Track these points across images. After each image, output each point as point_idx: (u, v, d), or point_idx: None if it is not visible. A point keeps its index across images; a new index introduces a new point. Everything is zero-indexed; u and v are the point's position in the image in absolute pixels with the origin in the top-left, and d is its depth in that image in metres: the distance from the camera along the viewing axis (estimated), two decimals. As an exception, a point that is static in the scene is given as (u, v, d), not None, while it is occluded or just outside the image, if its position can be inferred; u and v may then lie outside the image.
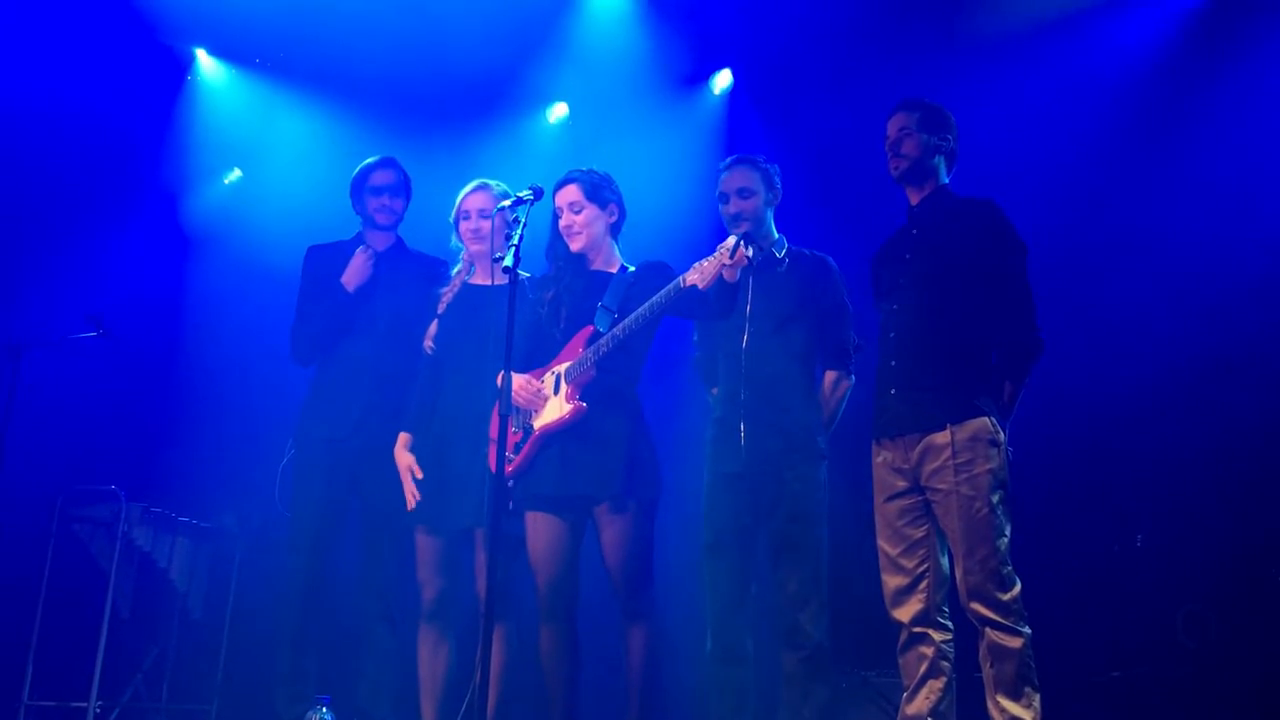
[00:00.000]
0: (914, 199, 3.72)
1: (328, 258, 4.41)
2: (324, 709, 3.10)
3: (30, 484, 4.53)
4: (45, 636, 4.40)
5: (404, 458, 4.01)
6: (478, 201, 4.10)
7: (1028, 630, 3.38)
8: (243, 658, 4.68)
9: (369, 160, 4.45)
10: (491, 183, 4.15)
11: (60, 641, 4.43)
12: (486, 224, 4.07)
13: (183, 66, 6.33)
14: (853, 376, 4.16)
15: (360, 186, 4.43)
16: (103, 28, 5.61)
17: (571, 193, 3.80)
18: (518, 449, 3.71)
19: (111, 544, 4.51)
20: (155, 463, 5.07)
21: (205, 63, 6.39)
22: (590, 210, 3.79)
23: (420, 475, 3.94)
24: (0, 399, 4.32)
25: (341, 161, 4.60)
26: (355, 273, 4.30)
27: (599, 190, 3.82)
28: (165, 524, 4.72)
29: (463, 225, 4.13)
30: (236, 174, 6.54)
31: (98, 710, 4.30)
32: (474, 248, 4.12)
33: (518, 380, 3.67)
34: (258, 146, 6.34)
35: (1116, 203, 4.80)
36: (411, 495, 3.92)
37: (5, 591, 4.37)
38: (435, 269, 4.26)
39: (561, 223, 3.81)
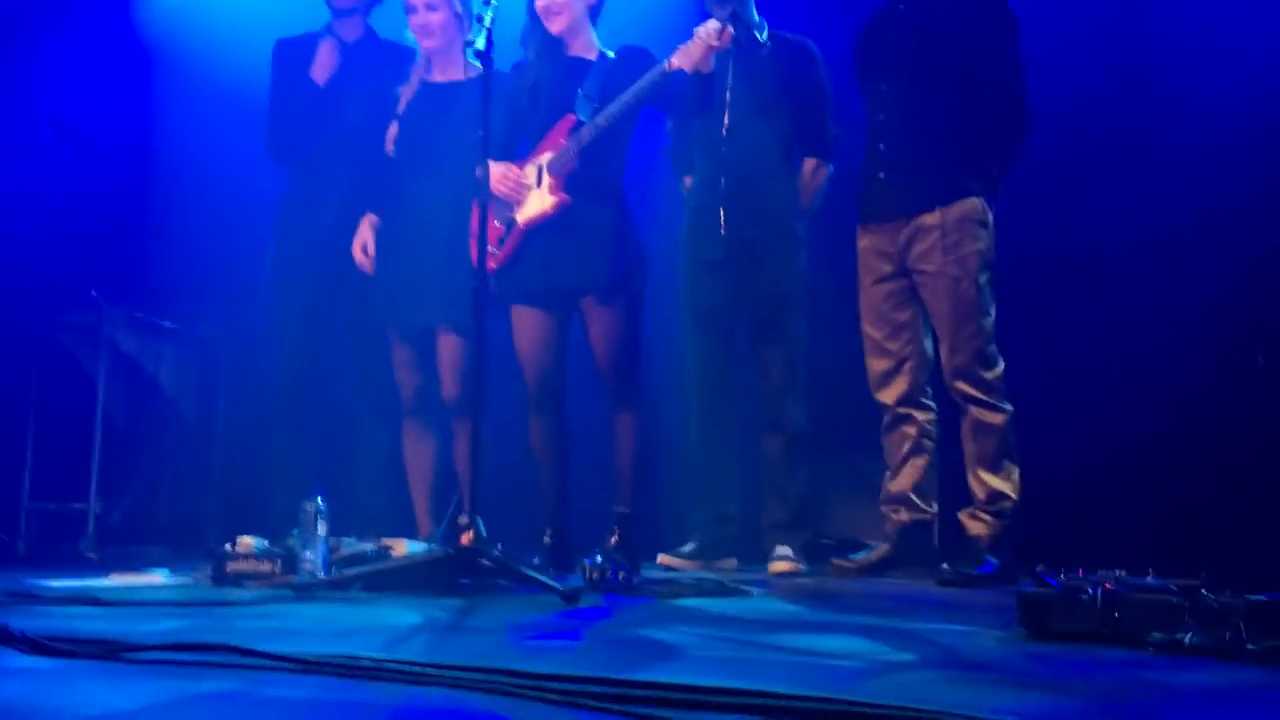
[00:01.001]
0: (901, -26, 3.60)
1: (296, 50, 4.27)
2: (319, 500, 3.16)
3: (10, 292, 4.48)
4: (41, 441, 4.43)
5: (363, 233, 4.06)
6: None
7: (1009, 407, 3.46)
8: (237, 458, 4.75)
9: None
10: None
11: (57, 446, 4.47)
12: (435, 16, 3.91)
13: None
14: (831, 164, 4.11)
15: None
16: None
17: None
18: (500, 243, 3.68)
19: (97, 350, 4.51)
20: (136, 270, 5.00)
21: None
22: None
23: (370, 254, 4.02)
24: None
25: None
26: (323, 64, 4.16)
27: None
28: (150, 330, 4.70)
29: (411, 20, 3.97)
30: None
31: (98, 510, 4.38)
32: (425, 44, 3.98)
33: (499, 170, 3.60)
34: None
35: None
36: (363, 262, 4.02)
37: (-1, 401, 4.38)
38: (405, 58, 4.11)
39: (539, 2, 3.66)
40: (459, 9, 3.96)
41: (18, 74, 5.00)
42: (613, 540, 3.57)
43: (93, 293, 4.54)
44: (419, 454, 4.11)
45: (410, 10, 3.96)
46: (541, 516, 3.74)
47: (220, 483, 4.82)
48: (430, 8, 3.92)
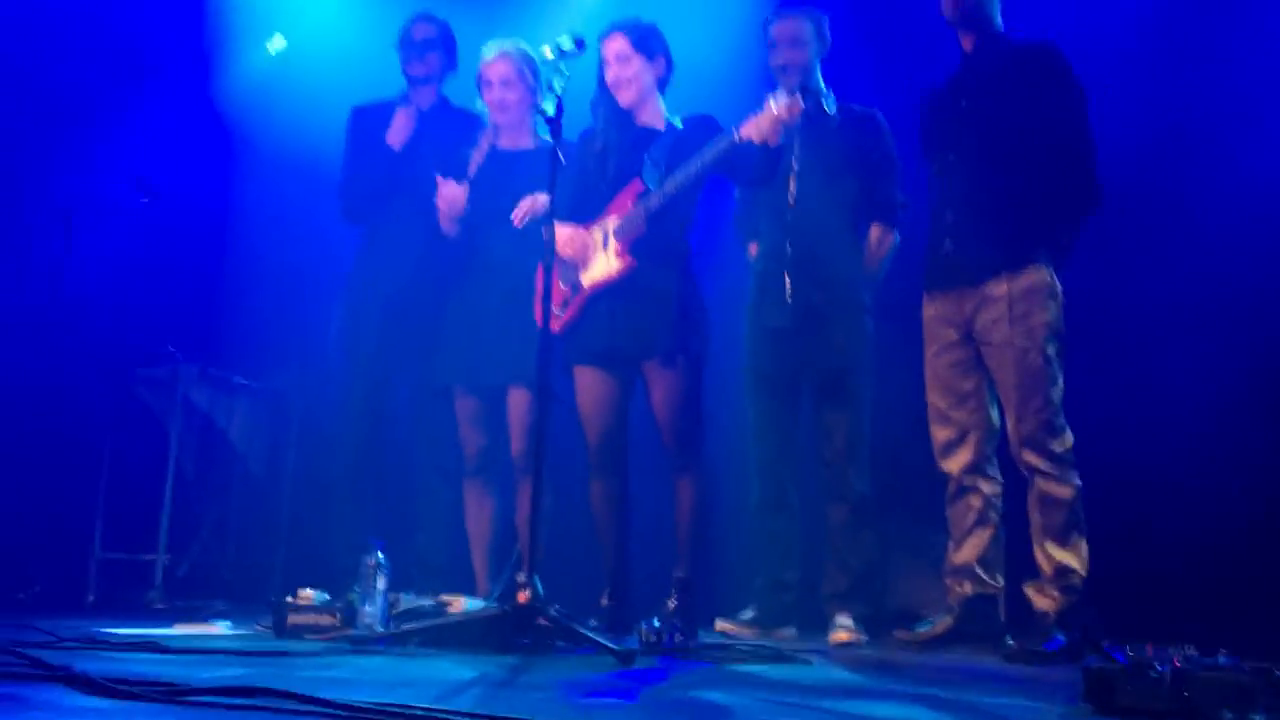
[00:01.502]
0: (968, 45, 3.62)
1: (372, 117, 4.39)
2: (379, 554, 3.19)
3: (90, 346, 4.62)
4: (113, 493, 4.53)
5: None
6: (498, 71, 4.05)
7: (1078, 480, 3.39)
8: (303, 513, 4.82)
9: (412, 16, 4.39)
10: (510, 47, 4.07)
11: (129, 498, 4.57)
12: (510, 94, 4.04)
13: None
14: (898, 232, 4.11)
15: (403, 44, 4.38)
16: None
17: (619, 43, 3.73)
18: (565, 305, 3.72)
19: (172, 404, 4.62)
20: (211, 326, 5.13)
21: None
22: (638, 61, 3.73)
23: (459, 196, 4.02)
24: (54, 262, 4.40)
25: (390, 22, 4.53)
26: (399, 130, 4.27)
27: (646, 41, 3.75)
28: (223, 385, 4.81)
29: (485, 94, 4.09)
30: (280, 42, 6.47)
31: (166, 562, 4.46)
32: (499, 119, 4.08)
33: (565, 233, 3.66)
34: (301, 9, 6.24)
35: (1192, 54, 4.58)
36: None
37: (74, 450, 4.49)
38: (478, 126, 4.22)
39: (609, 75, 3.74)
40: (531, 81, 4.06)
41: (100, 138, 5.20)
42: (671, 604, 3.54)
43: (169, 348, 4.66)
44: (479, 513, 4.15)
45: (486, 85, 4.07)
46: (600, 578, 3.73)
47: (286, 536, 4.88)
48: (506, 84, 4.03)
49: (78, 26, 5.44)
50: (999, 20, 3.60)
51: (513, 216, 3.84)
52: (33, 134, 5.28)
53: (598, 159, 3.79)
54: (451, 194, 4.00)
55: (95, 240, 4.78)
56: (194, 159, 5.57)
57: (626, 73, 3.72)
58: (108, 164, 5.20)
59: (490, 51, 4.08)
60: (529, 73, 4.07)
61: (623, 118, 3.79)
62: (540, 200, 3.70)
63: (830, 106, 3.97)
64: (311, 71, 5.83)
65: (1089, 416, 3.58)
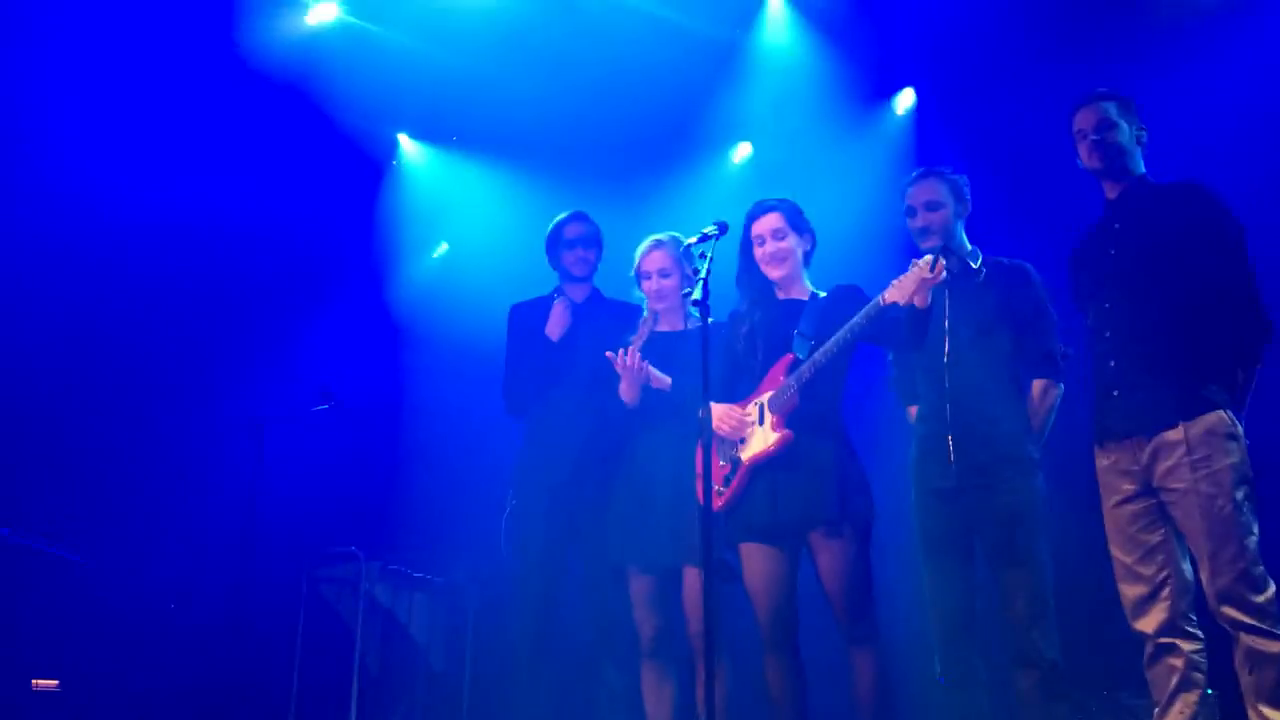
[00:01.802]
0: (1112, 192, 3.59)
1: (530, 312, 4.58)
2: (559, 745, 3.19)
3: (278, 549, 4.85)
4: (303, 691, 4.68)
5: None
6: (655, 262, 4.19)
7: (1288, 633, 3.15)
8: (484, 705, 4.86)
9: (561, 216, 4.61)
10: (664, 238, 4.22)
11: (317, 696, 4.70)
12: (668, 283, 4.16)
13: (388, 151, 6.75)
14: (1062, 384, 4.01)
15: (555, 242, 4.59)
16: (317, 125, 6.06)
17: (774, 220, 3.83)
18: (726, 481, 3.74)
19: (355, 602, 4.77)
20: (389, 524, 5.35)
21: (407, 145, 6.80)
22: (793, 238, 3.82)
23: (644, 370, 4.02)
24: (249, 470, 4.67)
25: (536, 222, 4.78)
26: (557, 322, 4.45)
27: (797, 218, 3.87)
28: (402, 581, 4.96)
29: (644, 285, 4.23)
30: (443, 248, 6.90)
31: (355, 761, 4.54)
32: (657, 306, 4.21)
33: (720, 410, 3.71)
34: (460, 219, 6.67)
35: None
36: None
37: (264, 650, 4.68)
38: (631, 314, 4.36)
39: (764, 250, 3.82)
40: (685, 269, 4.18)
41: (288, 348, 5.58)
42: (857, 786, 3.40)
43: (351, 548, 4.85)
44: (658, 696, 4.10)
45: (645, 277, 4.21)
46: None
47: (468, 728, 4.92)
48: (664, 274, 4.17)
49: (262, 245, 5.94)
50: (1142, 166, 3.57)
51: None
52: (226, 346, 5.73)
53: (747, 336, 3.85)
54: (634, 360, 4.02)
55: (283, 446, 5.08)
56: (369, 365, 5.91)
57: (783, 248, 3.81)
58: (294, 373, 5.57)
59: (645, 245, 4.23)
60: (683, 260, 4.20)
61: (769, 294, 3.87)
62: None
63: (977, 263, 3.99)
64: (473, 274, 6.18)
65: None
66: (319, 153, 6.15)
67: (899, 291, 3.43)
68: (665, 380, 4.04)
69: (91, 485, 5.38)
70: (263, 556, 4.71)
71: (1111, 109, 3.56)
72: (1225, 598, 3.20)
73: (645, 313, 4.28)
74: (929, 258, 3.39)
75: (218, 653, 4.84)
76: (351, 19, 5.94)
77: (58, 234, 5.40)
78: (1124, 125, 3.54)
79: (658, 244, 4.21)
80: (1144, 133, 3.58)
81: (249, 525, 4.67)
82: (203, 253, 5.75)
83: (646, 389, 4.06)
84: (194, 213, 5.65)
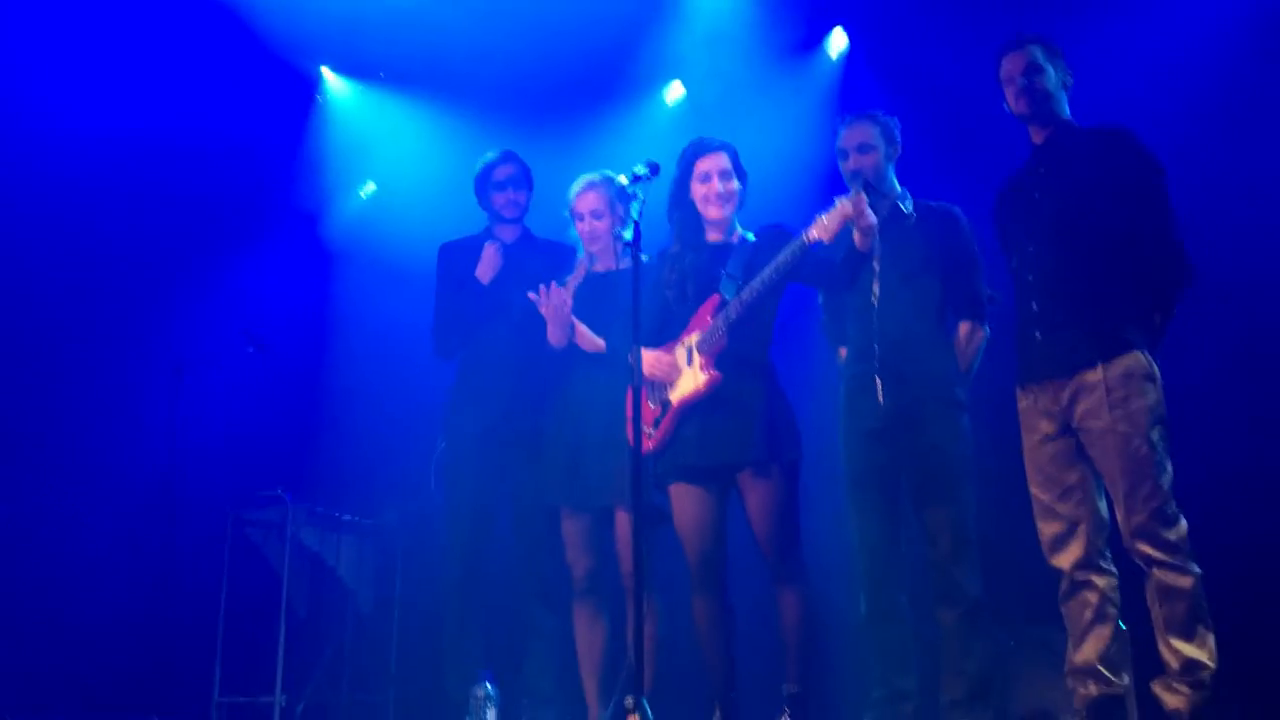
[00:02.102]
0: (1038, 137, 3.61)
1: (460, 253, 4.53)
2: (488, 684, 3.20)
3: (202, 492, 4.79)
4: (230, 636, 4.65)
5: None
6: (589, 203, 4.14)
7: (1198, 569, 3.26)
8: (413, 647, 4.87)
9: (489, 156, 4.54)
10: (597, 178, 4.16)
11: (244, 641, 4.68)
12: (600, 224, 4.12)
13: (311, 86, 6.58)
14: (987, 327, 4.07)
15: (484, 182, 4.53)
16: (234, 54, 5.88)
17: (724, 160, 3.78)
18: (656, 424, 3.74)
19: (282, 545, 4.73)
20: (316, 466, 5.30)
21: (331, 80, 6.63)
22: (735, 180, 3.79)
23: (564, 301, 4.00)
24: (165, 414, 4.58)
25: (466, 160, 4.71)
26: (487, 265, 4.40)
27: (739, 161, 3.83)
28: (330, 524, 4.93)
29: (578, 226, 4.19)
30: (371, 187, 6.77)
31: (283, 703, 4.52)
32: (592, 247, 4.18)
33: (650, 356, 3.70)
34: (387, 157, 6.54)
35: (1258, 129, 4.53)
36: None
37: (189, 595, 4.63)
38: (563, 255, 4.33)
39: (711, 188, 3.75)
40: (618, 210, 4.14)
41: (211, 292, 5.46)
42: (784, 720, 3.46)
43: (278, 491, 4.80)
44: (591, 637, 4.11)
45: (578, 218, 4.17)
46: (711, 697, 3.67)
47: (396, 672, 4.92)
48: (596, 215, 4.12)
49: (183, 180, 5.77)
50: (1067, 111, 3.60)
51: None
52: (146, 284, 5.58)
53: (677, 281, 3.84)
54: (558, 299, 4.00)
55: (205, 390, 4.99)
56: (295, 304, 5.80)
57: (732, 189, 3.78)
58: (217, 313, 5.46)
59: (578, 185, 4.18)
60: (616, 201, 4.16)
61: (697, 238, 3.84)
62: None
63: (907, 206, 4.01)
64: (401, 213, 6.08)
65: (1206, 502, 3.45)
66: (240, 85, 5.97)
67: (822, 229, 3.43)
68: (598, 343, 4.00)
69: (13, 430, 5.24)
70: (186, 501, 4.64)
71: (1038, 53, 3.57)
72: (1139, 534, 3.29)
73: (581, 254, 4.24)
74: (849, 196, 3.40)
75: (143, 599, 4.78)
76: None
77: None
78: (1050, 70, 3.56)
79: (590, 184, 4.17)
80: (1070, 77, 3.60)
81: (171, 469, 4.60)
82: (121, 187, 5.57)
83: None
84: (111, 142, 5.45)
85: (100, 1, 5.45)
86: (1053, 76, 3.56)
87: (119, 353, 5.38)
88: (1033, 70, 3.55)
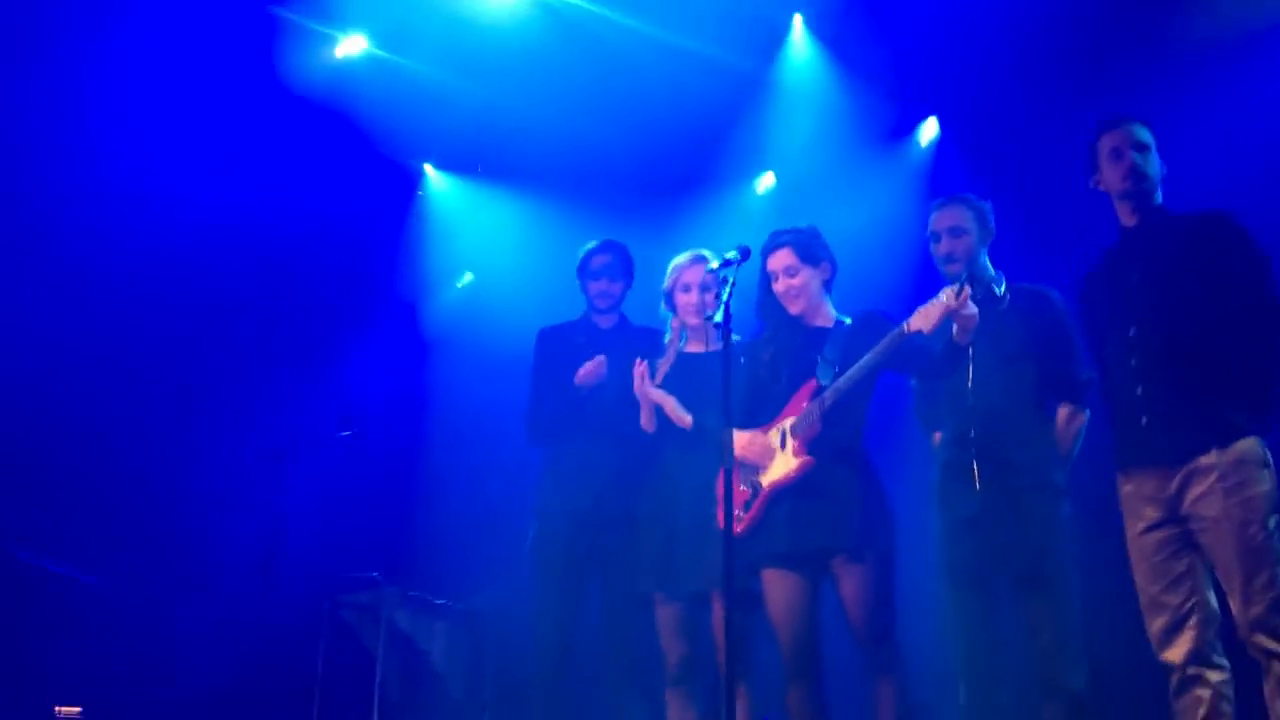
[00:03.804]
0: (1130, 220, 3.56)
1: (557, 339, 4.59)
2: (580, 772, 3.16)
3: (301, 576, 4.86)
4: (325, 717, 4.67)
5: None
6: (697, 275, 4.14)
7: (1318, 661, 3.11)
8: (505, 734, 4.85)
9: (589, 245, 4.62)
10: (706, 254, 4.20)
11: (339, 721, 4.71)
12: (709, 295, 4.11)
13: (413, 181, 6.81)
14: (1088, 410, 3.98)
15: (583, 271, 4.60)
16: (343, 152, 6.13)
17: (785, 257, 3.83)
18: (747, 506, 3.73)
19: (376, 628, 4.77)
20: (411, 550, 5.36)
21: (433, 176, 6.86)
22: (805, 272, 3.82)
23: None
24: (271, 497, 4.68)
25: (562, 249, 4.81)
26: (589, 375, 4.37)
27: (810, 249, 3.85)
28: (424, 607, 4.96)
29: (682, 298, 4.18)
30: (468, 277, 6.95)
31: (376, 786, 4.52)
32: (693, 321, 4.18)
33: (743, 436, 3.70)
34: (485, 247, 6.71)
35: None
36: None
37: (286, 677, 4.68)
38: (656, 340, 4.35)
39: (778, 287, 3.83)
40: (710, 292, 4.16)
41: (312, 378, 5.62)
42: (881, 816, 3.36)
43: (374, 574, 4.86)
44: (684, 724, 4.05)
45: (684, 290, 4.17)
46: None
47: (487, 760, 4.90)
48: (704, 288, 4.12)
49: (289, 274, 5.98)
50: (1160, 197, 3.56)
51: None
52: (251, 373, 5.77)
53: (770, 362, 3.85)
54: (641, 385, 4.02)
55: (305, 475, 5.10)
56: (393, 391, 5.93)
57: (795, 284, 3.81)
58: (319, 401, 5.61)
59: (683, 259, 4.19)
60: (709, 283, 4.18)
61: (792, 321, 3.86)
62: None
63: (1000, 288, 3.98)
64: (498, 302, 6.21)
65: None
66: (346, 182, 6.21)
67: (924, 319, 3.43)
68: (685, 419, 4.01)
69: (117, 511, 5.41)
70: (285, 583, 4.72)
71: (1145, 133, 3.54)
72: (1259, 626, 3.15)
73: (669, 333, 4.26)
74: (955, 286, 3.39)
75: (240, 680, 4.84)
76: (378, 51, 6.01)
77: (88, 255, 5.46)
78: (1154, 151, 3.53)
79: (695, 259, 4.16)
80: (1163, 166, 3.56)
81: (271, 552, 4.68)
82: (231, 281, 5.81)
83: (662, 416, 4.04)
84: (221, 240, 5.70)
85: (216, 97, 5.72)
86: (1155, 158, 3.53)
87: (222, 438, 5.55)
88: (1141, 147, 3.51)
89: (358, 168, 6.27)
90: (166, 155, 5.61)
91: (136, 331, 5.54)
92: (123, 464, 5.47)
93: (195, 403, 5.64)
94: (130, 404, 5.52)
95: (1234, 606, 3.22)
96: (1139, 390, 3.46)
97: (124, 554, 5.24)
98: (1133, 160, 3.49)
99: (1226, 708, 3.28)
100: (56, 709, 4.65)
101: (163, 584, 5.31)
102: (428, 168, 6.84)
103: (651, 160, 6.13)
